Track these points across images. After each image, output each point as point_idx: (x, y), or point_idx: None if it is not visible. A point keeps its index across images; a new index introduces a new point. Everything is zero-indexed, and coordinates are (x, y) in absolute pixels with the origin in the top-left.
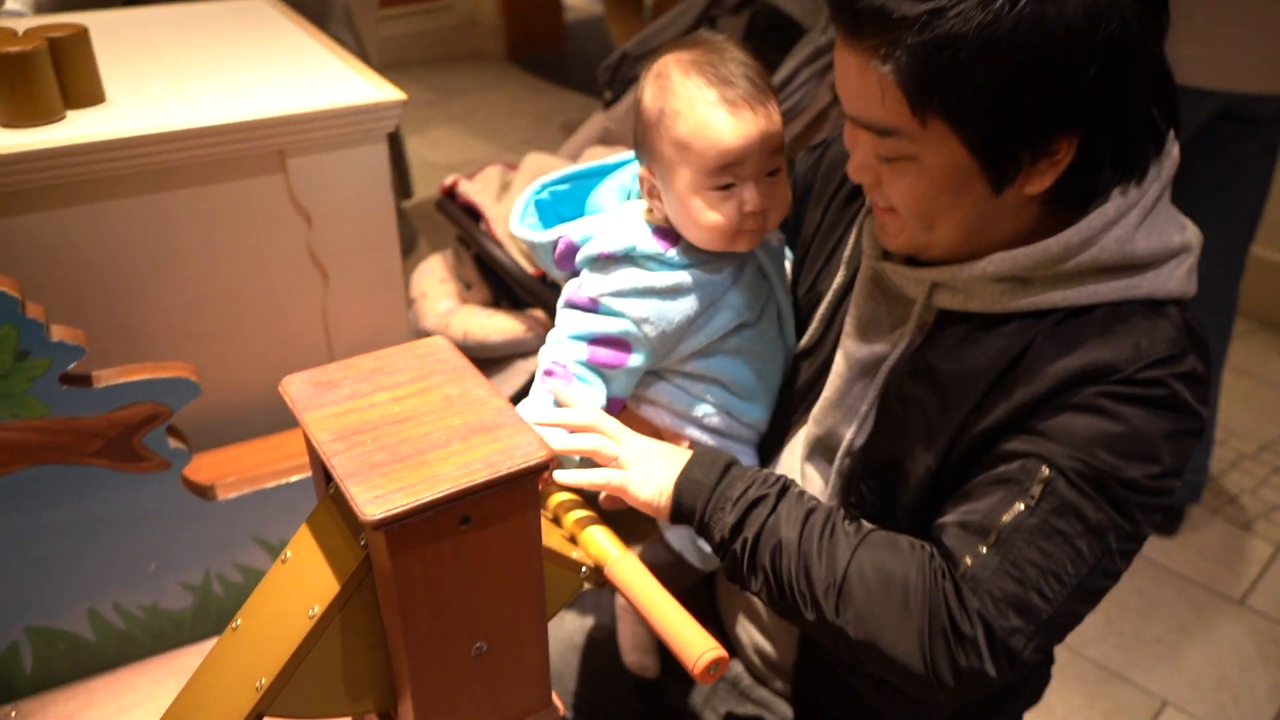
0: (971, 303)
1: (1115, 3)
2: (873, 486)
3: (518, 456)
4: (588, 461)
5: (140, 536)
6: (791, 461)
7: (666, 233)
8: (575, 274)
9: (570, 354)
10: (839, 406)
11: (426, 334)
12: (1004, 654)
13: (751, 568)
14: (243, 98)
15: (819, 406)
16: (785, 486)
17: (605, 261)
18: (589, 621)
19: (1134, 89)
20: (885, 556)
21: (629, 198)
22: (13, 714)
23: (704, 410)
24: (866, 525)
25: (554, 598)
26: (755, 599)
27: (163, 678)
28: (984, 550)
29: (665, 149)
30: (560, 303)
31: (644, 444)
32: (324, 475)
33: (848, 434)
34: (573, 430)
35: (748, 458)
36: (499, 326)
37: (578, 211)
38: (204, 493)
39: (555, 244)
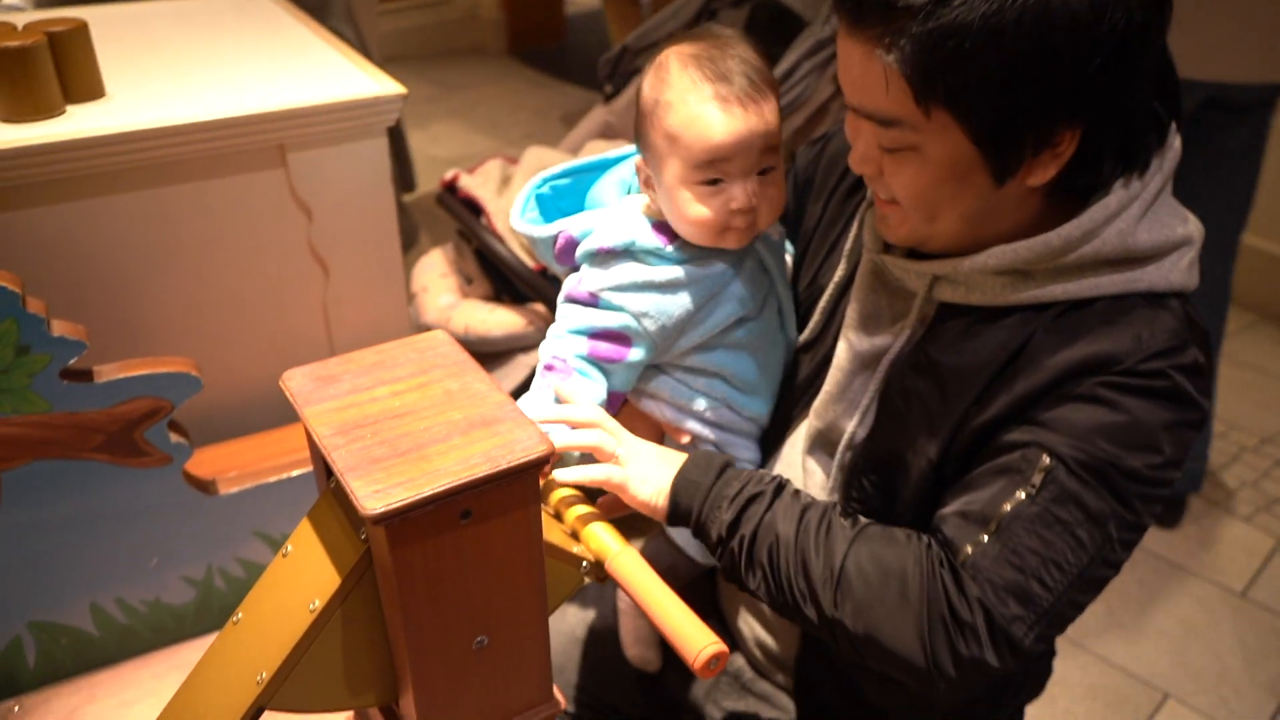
0: (973, 296)
1: None
2: (874, 480)
3: (518, 451)
4: (587, 458)
5: (142, 531)
6: (793, 455)
7: (666, 227)
8: (576, 269)
9: (571, 348)
10: (840, 400)
11: (427, 328)
12: (1005, 642)
13: (749, 565)
14: (243, 92)
15: (820, 400)
16: (781, 485)
17: (605, 256)
18: (591, 615)
19: (1137, 80)
20: (882, 549)
21: (629, 192)
22: (16, 708)
23: (705, 404)
24: (863, 520)
25: (555, 592)
26: None
27: (165, 672)
28: (984, 539)
29: (657, 140)
30: (560, 297)
31: (642, 444)
32: (325, 470)
33: (849, 427)
34: (574, 426)
35: (749, 452)
36: (500, 321)
37: (578, 206)
38: (205, 487)
39: (555, 239)
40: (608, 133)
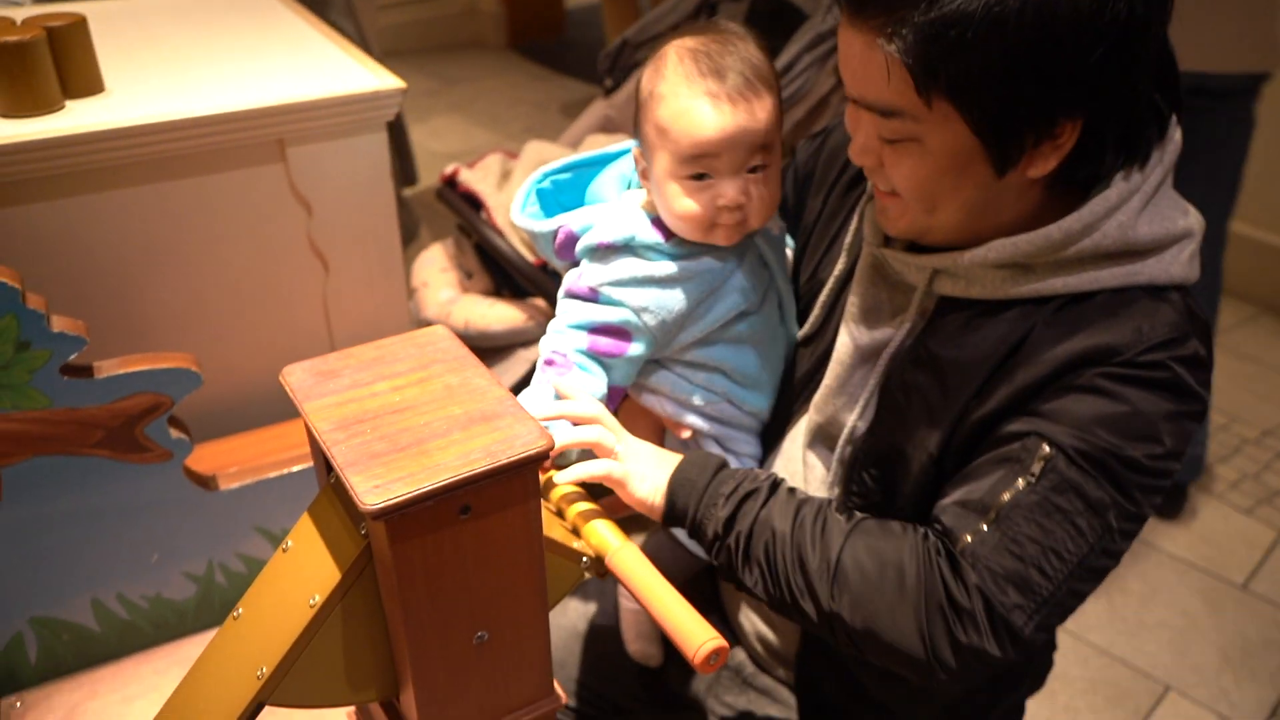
0: (973, 289)
1: None
2: (874, 474)
3: (518, 446)
4: (586, 456)
5: (143, 527)
6: (793, 450)
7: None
8: (576, 264)
9: (571, 343)
10: (840, 394)
11: (428, 323)
12: (1005, 630)
13: (745, 561)
14: (242, 87)
15: (820, 394)
16: (776, 482)
17: (605, 251)
18: (592, 610)
19: (1138, 72)
20: (878, 541)
21: (629, 187)
22: (18, 704)
23: (705, 399)
24: (859, 515)
25: (555, 587)
26: None
27: (166, 668)
28: (984, 527)
29: (649, 131)
30: (561, 292)
31: (640, 443)
32: (325, 465)
33: (849, 421)
34: (575, 422)
35: (750, 446)
36: (500, 315)
37: (579, 200)
38: (206, 483)
39: (555, 234)
40: (608, 127)
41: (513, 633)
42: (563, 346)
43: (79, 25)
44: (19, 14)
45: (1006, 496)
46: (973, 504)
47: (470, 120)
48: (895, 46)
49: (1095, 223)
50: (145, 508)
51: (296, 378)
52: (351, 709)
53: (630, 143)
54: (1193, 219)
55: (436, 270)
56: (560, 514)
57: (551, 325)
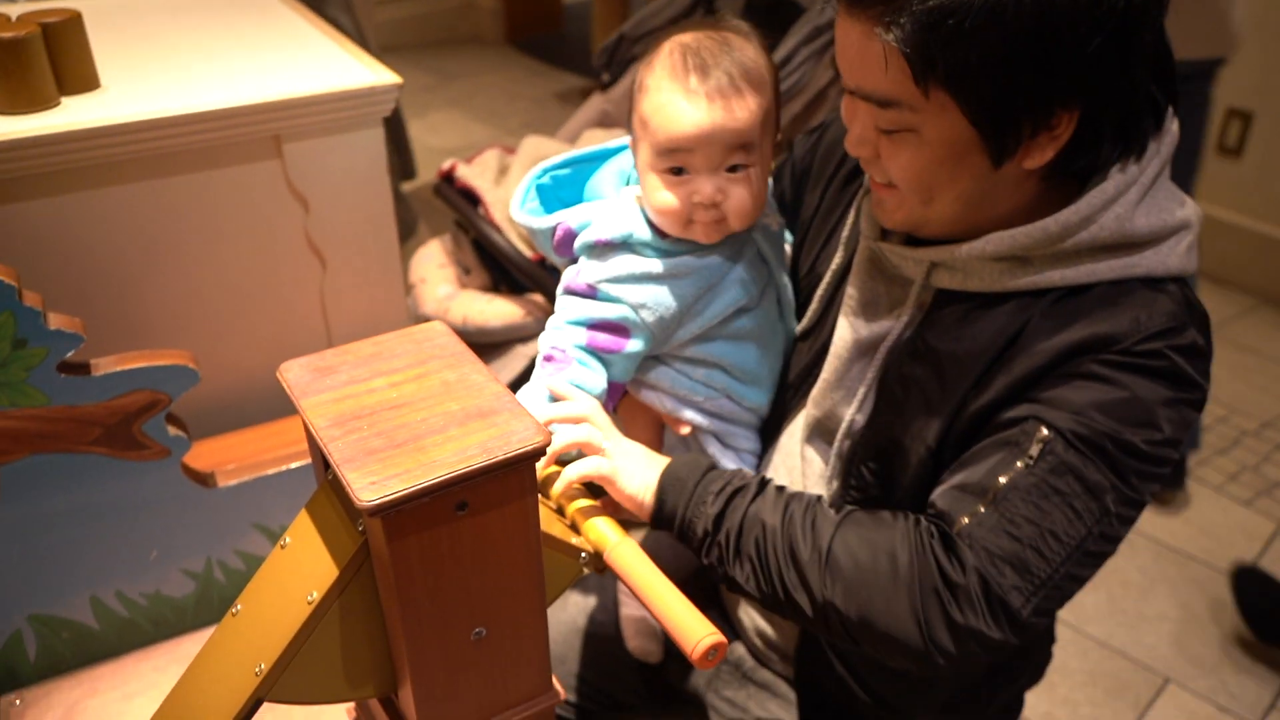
0: (970, 282)
1: None
2: (873, 468)
3: (514, 442)
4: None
5: (141, 524)
6: (791, 444)
7: None
8: (575, 260)
9: (570, 339)
10: (838, 387)
11: (426, 319)
12: (1002, 610)
13: (737, 556)
14: (238, 82)
15: (818, 388)
16: (764, 480)
17: (603, 248)
18: (592, 605)
19: (1135, 63)
20: (870, 529)
21: (628, 183)
22: (17, 702)
23: (705, 394)
24: (849, 507)
25: (553, 583)
26: None
27: (166, 665)
28: (981, 509)
29: (635, 122)
30: (559, 289)
31: (630, 443)
32: (323, 461)
33: (847, 415)
34: (564, 423)
35: (749, 442)
36: (498, 311)
37: (578, 196)
38: (204, 480)
39: (554, 230)
40: (605, 121)
41: (511, 629)
42: (562, 342)
43: (74, 21)
44: (14, 10)
45: (1004, 479)
46: (971, 486)
47: (468, 115)
48: (893, 35)
49: (1092, 215)
50: (144, 505)
51: (294, 374)
52: (350, 705)
53: (629, 137)
54: (1190, 210)
55: (434, 266)
56: (560, 511)
57: (550, 321)
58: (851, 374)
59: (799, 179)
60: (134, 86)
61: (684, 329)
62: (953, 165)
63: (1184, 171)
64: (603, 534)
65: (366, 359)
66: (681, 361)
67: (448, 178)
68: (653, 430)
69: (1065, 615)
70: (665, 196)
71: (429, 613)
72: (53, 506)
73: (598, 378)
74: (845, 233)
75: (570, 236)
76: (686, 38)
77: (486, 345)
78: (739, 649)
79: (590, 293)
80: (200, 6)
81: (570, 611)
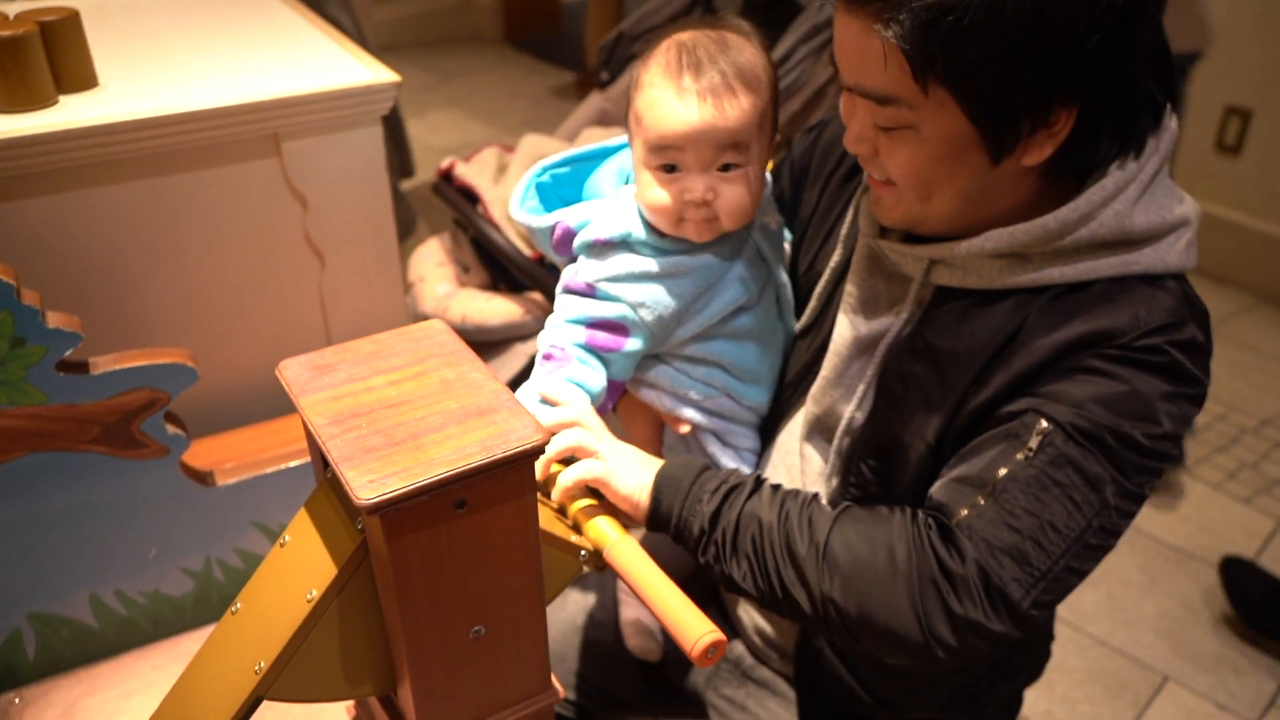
0: (970, 279)
1: None
2: (872, 465)
3: (513, 440)
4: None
5: (140, 523)
6: (790, 442)
7: None
8: (574, 259)
9: (569, 338)
10: (837, 385)
11: (425, 318)
12: (1002, 601)
13: (734, 554)
14: (237, 81)
15: (817, 385)
16: (760, 479)
17: (602, 247)
18: (591, 603)
19: (1134, 59)
20: (867, 523)
21: (627, 182)
22: (16, 700)
23: (704, 393)
24: (845, 504)
25: (552, 581)
26: None
27: (165, 663)
28: (980, 501)
29: (631, 118)
30: (559, 288)
31: (622, 445)
32: (322, 460)
33: (846, 412)
34: (554, 431)
35: (749, 440)
36: (497, 310)
37: (578, 195)
38: (203, 479)
39: (553, 229)
40: (604, 120)
41: (510, 627)
42: (561, 341)
43: (72, 19)
44: (11, 8)
45: (1003, 471)
46: (970, 479)
47: (467, 114)
48: (892, 32)
49: (1092, 212)
50: (142, 504)
51: (292, 372)
52: (350, 703)
53: (627, 136)
54: (1189, 207)
55: (433, 264)
56: (562, 511)
57: (550, 320)
58: (851, 371)
59: (797, 177)
60: (132, 85)
61: (683, 328)
62: (951, 162)
63: None
64: (603, 532)
65: (365, 357)
66: (681, 360)
67: (446, 176)
68: (652, 429)
69: (1064, 613)
70: (657, 193)
71: (428, 611)
72: (52, 505)
73: (597, 376)
74: (844, 230)
75: (569, 235)
76: (685, 36)
77: (485, 343)
78: (738, 647)
79: (589, 291)
80: (199, 5)
81: (570, 610)
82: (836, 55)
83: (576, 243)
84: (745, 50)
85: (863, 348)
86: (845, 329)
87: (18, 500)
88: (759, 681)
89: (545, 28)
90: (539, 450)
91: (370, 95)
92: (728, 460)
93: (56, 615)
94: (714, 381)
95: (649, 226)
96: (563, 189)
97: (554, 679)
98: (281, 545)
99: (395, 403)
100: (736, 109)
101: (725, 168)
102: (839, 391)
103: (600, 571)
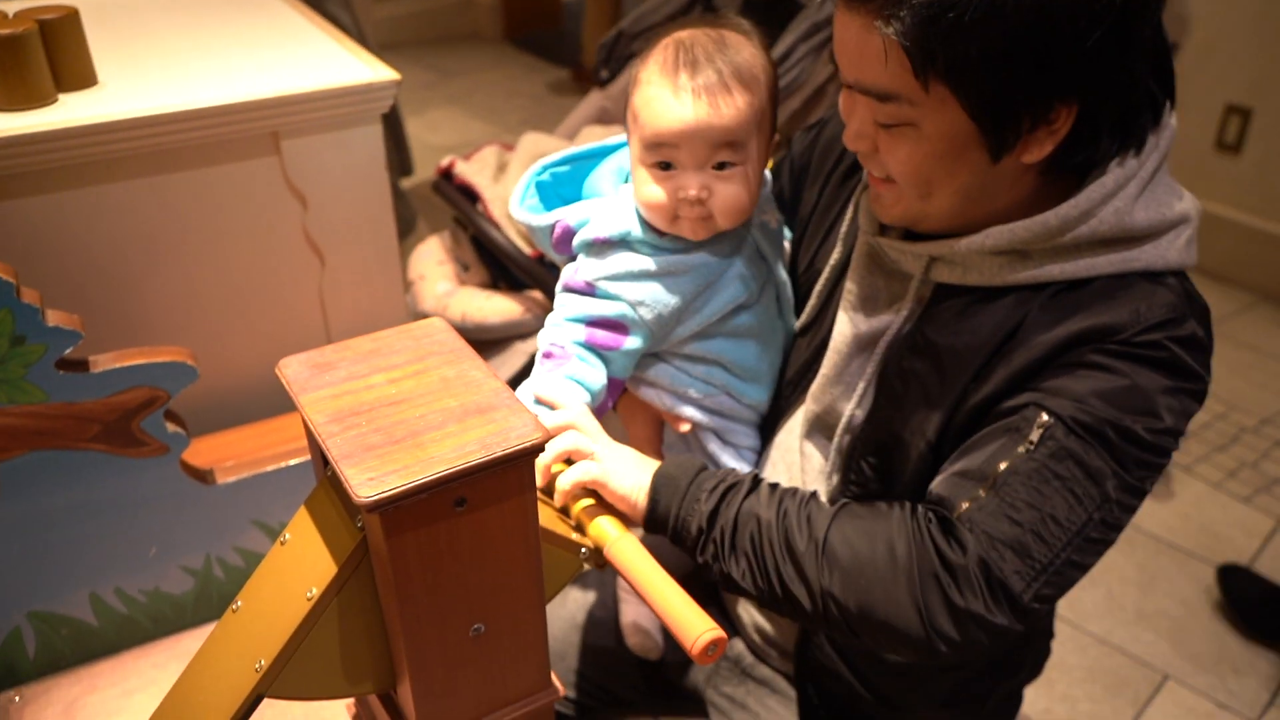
0: (969, 276)
1: None
2: (872, 462)
3: (513, 438)
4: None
5: (140, 521)
6: (790, 440)
7: None
8: (574, 258)
9: (569, 336)
10: (838, 382)
11: (425, 316)
12: (1003, 594)
13: (732, 552)
14: (236, 79)
15: (817, 383)
16: (757, 478)
17: (601, 246)
18: (592, 600)
19: (1134, 57)
20: (866, 519)
21: (626, 180)
22: (16, 698)
23: (704, 391)
24: (844, 500)
25: (553, 579)
26: None
27: (165, 661)
28: (981, 494)
29: (628, 115)
30: (559, 286)
31: (619, 447)
32: (322, 458)
33: (847, 410)
34: (550, 434)
35: (749, 439)
36: (497, 308)
37: (578, 193)
38: (203, 477)
39: (553, 228)
40: (603, 118)
41: (510, 625)
42: (561, 339)
43: (71, 18)
44: (10, 7)
45: (1004, 464)
46: (971, 473)
47: (467, 113)
48: (893, 29)
49: (1092, 209)
50: (142, 502)
51: (292, 370)
52: (350, 701)
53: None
54: (1189, 204)
55: (433, 263)
56: (565, 511)
57: (550, 318)
58: (851, 369)
59: (797, 175)
60: (132, 83)
61: (683, 326)
62: (951, 160)
63: None
64: (603, 529)
65: (365, 355)
66: (681, 359)
67: (446, 174)
68: (652, 428)
69: (1064, 611)
70: (652, 191)
71: (428, 609)
72: (51, 504)
73: (597, 374)
74: (844, 228)
75: (569, 234)
76: (684, 34)
77: (485, 342)
78: (738, 645)
79: (589, 290)
80: (198, 3)
81: (570, 608)
82: (836, 52)
83: (576, 241)
84: (744, 49)
85: (863, 345)
86: (845, 326)
87: (18, 499)
88: (759, 679)
89: (545, 26)
90: (539, 448)
91: (370, 93)
92: (728, 459)
93: (56, 614)
94: (714, 380)
95: (648, 225)
96: (563, 187)
97: (554, 677)
98: (282, 543)
99: (395, 401)
100: (732, 108)
101: (721, 166)
102: (839, 389)
103: (601, 569)
